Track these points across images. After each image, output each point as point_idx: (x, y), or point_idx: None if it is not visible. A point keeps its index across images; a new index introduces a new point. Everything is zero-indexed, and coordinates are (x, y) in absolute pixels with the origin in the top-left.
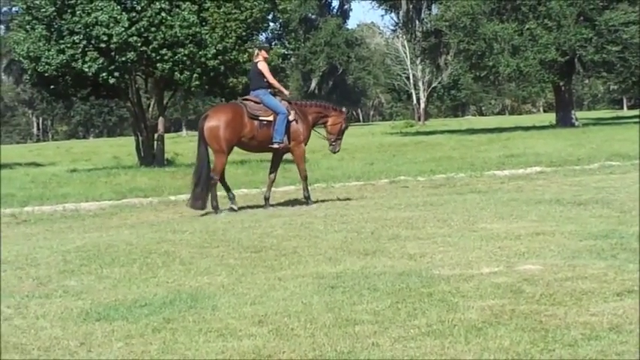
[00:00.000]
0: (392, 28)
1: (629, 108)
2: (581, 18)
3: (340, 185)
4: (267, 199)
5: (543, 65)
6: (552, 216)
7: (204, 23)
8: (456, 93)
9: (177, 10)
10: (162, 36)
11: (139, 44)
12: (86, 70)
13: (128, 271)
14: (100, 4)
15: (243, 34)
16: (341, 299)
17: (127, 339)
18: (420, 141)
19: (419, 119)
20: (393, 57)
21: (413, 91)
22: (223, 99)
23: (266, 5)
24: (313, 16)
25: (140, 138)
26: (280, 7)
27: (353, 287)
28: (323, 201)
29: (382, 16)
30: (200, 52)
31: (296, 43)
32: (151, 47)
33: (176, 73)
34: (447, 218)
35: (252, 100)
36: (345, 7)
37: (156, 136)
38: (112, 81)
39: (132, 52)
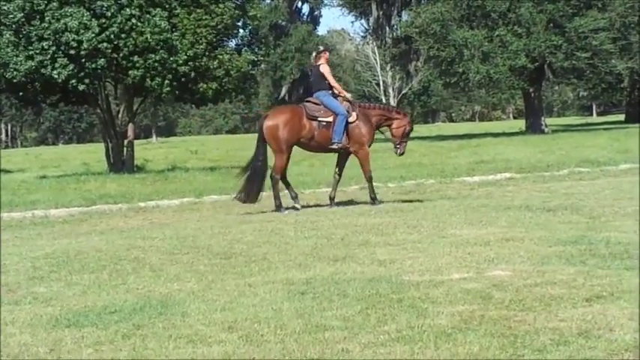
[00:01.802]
0: (362, 34)
1: (599, 114)
2: (551, 25)
3: (310, 192)
4: (332, 198)
5: (513, 72)
6: (522, 222)
7: (174, 29)
8: (426, 99)
9: (148, 16)
10: (132, 42)
11: (110, 50)
12: (55, 76)
13: (98, 278)
14: (69, 11)
15: (214, 40)
16: (311, 305)
17: (96, 345)
18: (390, 147)
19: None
20: (364, 63)
21: (383, 98)
22: (193, 105)
23: (236, 12)
24: (283, 23)
25: (110, 144)
26: (250, 14)
27: (323, 293)
28: (311, 207)
29: (352, 22)
30: (171, 58)
31: (266, 50)
32: (121, 54)
33: (147, 79)
34: (416, 224)
35: (312, 102)
36: (316, 13)
37: (125, 142)
38: (81, 88)
39: (102, 59)
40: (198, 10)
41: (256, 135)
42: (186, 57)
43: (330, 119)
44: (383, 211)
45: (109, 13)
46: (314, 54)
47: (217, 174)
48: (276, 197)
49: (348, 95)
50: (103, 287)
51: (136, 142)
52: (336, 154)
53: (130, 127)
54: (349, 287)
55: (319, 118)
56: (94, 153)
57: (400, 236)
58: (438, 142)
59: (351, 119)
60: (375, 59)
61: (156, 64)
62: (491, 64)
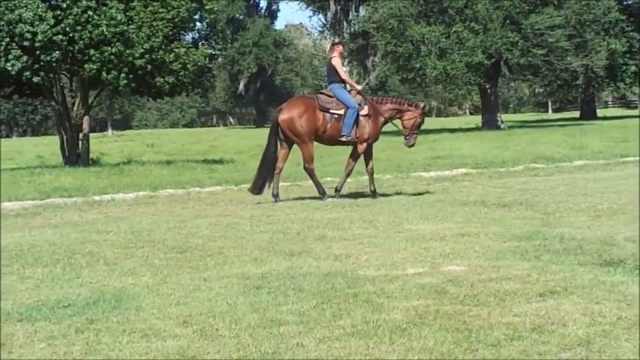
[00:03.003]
0: (320, 29)
1: (554, 111)
2: (508, 21)
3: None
4: (373, 191)
5: (470, 68)
6: (477, 217)
7: (130, 22)
8: (383, 94)
9: (104, 8)
10: (88, 35)
11: (65, 43)
12: (9, 68)
13: (51, 272)
14: (24, 1)
15: (170, 33)
16: (266, 300)
17: (49, 340)
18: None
19: None
20: (321, 58)
21: None
22: (150, 98)
23: (193, 5)
24: (241, 17)
25: (65, 137)
26: (207, 7)
27: (278, 288)
28: (268, 202)
29: (310, 17)
30: (127, 51)
31: (223, 44)
32: (77, 46)
33: (103, 72)
34: (373, 219)
35: (325, 94)
36: (273, 7)
37: (81, 135)
38: (36, 80)
39: (57, 51)
40: (155, 3)
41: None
42: (142, 50)
43: (342, 112)
44: (339, 206)
45: (64, 5)
46: (329, 46)
47: (173, 168)
48: (318, 185)
49: (359, 87)
50: (57, 281)
51: (91, 135)
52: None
53: (86, 119)
54: (305, 282)
55: (331, 110)
56: (49, 146)
57: (356, 231)
58: (394, 137)
59: (362, 112)
60: None
61: (112, 57)
62: (448, 60)
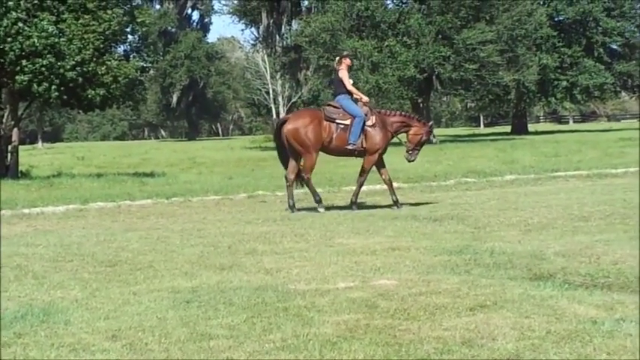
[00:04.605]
0: (252, 42)
1: (486, 125)
2: (440, 36)
3: (198, 199)
4: (395, 201)
5: (402, 82)
6: (408, 231)
7: (62, 34)
8: (315, 108)
9: (35, 20)
10: (19, 46)
11: None
12: None
13: None
14: None
15: (101, 46)
16: (196, 314)
17: None
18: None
19: None
20: (253, 71)
21: (273, 106)
22: (80, 111)
23: (124, 18)
24: (173, 30)
25: None
26: (139, 20)
27: (208, 302)
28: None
29: (242, 30)
30: (58, 63)
31: (155, 56)
32: (7, 58)
33: (34, 84)
34: (304, 233)
35: (332, 105)
36: (206, 20)
37: (10, 147)
38: None
39: None
40: (86, 16)
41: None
42: (73, 62)
43: (348, 122)
44: (270, 220)
45: None
46: (337, 59)
47: (104, 180)
48: (314, 193)
49: (366, 99)
50: None
51: (21, 147)
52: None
53: (15, 132)
54: (235, 296)
55: (337, 121)
56: None
57: (287, 245)
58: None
59: (369, 123)
60: (265, 67)
61: (43, 69)
62: (381, 74)
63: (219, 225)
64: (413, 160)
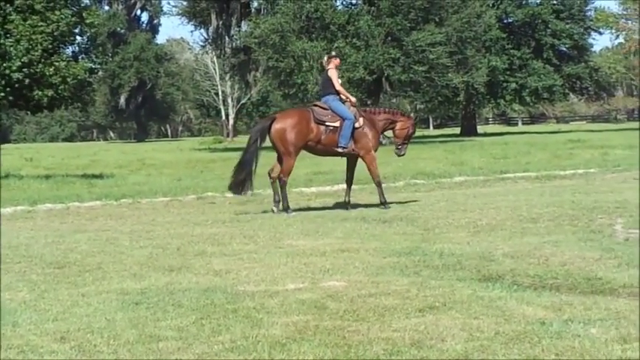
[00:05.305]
0: (201, 43)
1: (435, 127)
2: (389, 38)
3: (147, 201)
4: (347, 202)
5: (351, 84)
6: (357, 233)
7: (8, 35)
8: (265, 110)
9: None
10: None
11: None
12: None
13: None
14: None
15: (50, 47)
16: (145, 315)
17: None
18: (229, 157)
19: (227, 135)
20: (203, 73)
21: (222, 107)
22: (28, 112)
23: (73, 19)
24: (122, 31)
25: None
26: (87, 21)
27: (157, 303)
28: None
29: (192, 31)
30: (4, 64)
31: (103, 57)
32: None
33: None
34: (253, 235)
35: (320, 106)
36: (155, 21)
37: None
38: None
39: None
40: (34, 17)
41: None
42: (20, 63)
43: (337, 124)
44: (219, 221)
45: None
46: (325, 58)
47: (52, 182)
48: (284, 198)
49: (354, 100)
50: None
51: None
52: (344, 159)
53: None
54: (184, 297)
55: (327, 123)
56: None
57: (236, 246)
58: (272, 152)
59: (357, 124)
60: (215, 69)
61: None
62: None
63: (168, 226)
64: (403, 154)
